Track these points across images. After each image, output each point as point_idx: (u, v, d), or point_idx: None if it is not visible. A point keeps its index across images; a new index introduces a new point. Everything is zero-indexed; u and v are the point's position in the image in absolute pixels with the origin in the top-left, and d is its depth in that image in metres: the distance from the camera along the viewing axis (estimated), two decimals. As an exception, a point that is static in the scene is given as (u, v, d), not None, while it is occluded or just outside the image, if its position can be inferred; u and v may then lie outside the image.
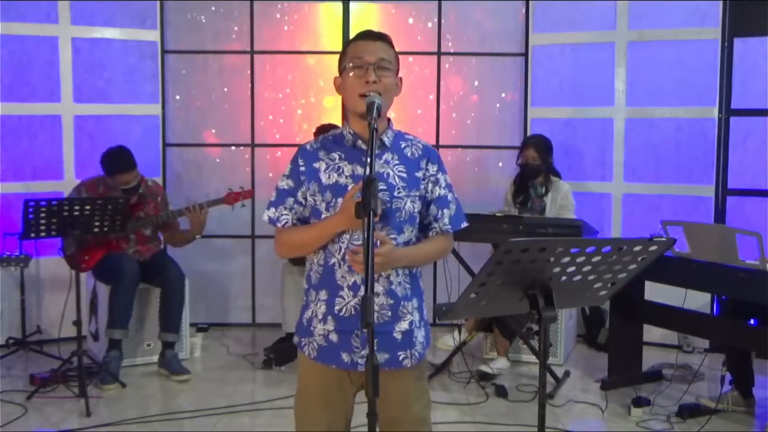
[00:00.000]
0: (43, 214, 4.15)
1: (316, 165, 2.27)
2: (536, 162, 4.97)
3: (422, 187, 2.30)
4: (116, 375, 4.48)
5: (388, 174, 2.25)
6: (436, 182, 2.33)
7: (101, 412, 4.11)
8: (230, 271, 5.85)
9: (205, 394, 4.42)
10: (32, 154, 5.32)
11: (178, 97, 5.72)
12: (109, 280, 4.65)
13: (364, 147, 2.25)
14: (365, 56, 2.22)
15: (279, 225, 2.31)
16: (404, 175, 2.27)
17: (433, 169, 2.32)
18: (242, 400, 4.31)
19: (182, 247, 5.07)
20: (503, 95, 5.83)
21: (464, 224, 2.39)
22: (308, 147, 2.32)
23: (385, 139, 2.28)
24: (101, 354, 4.64)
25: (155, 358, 4.80)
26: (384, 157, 2.27)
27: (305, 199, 2.28)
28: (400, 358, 2.29)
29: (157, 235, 4.95)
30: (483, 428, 3.98)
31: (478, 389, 4.48)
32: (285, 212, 2.30)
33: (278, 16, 5.76)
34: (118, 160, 4.66)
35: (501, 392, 4.39)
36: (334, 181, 2.24)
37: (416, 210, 2.28)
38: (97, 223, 4.30)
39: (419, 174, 2.29)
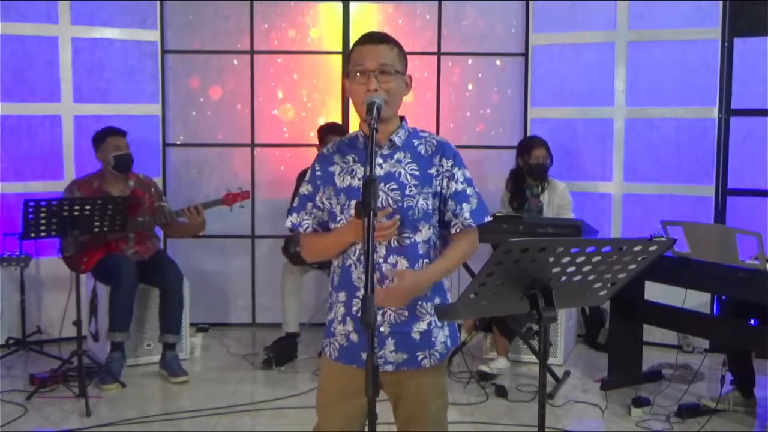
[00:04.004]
0: (43, 214, 4.15)
1: (332, 169, 2.30)
2: (547, 161, 4.98)
3: (435, 183, 2.28)
4: (117, 375, 4.48)
5: (399, 173, 2.25)
6: (452, 177, 2.31)
7: (101, 412, 4.11)
8: (230, 271, 5.85)
9: (205, 394, 4.41)
10: (32, 154, 5.31)
11: (177, 94, 5.72)
12: (108, 282, 4.65)
13: (375, 148, 2.25)
14: (366, 63, 2.22)
15: (301, 230, 2.35)
16: (416, 172, 2.26)
17: (447, 164, 2.30)
18: (242, 400, 4.31)
19: (183, 246, 5.06)
20: (503, 96, 5.83)
21: (488, 218, 2.37)
22: (325, 151, 2.36)
23: (396, 139, 2.28)
24: (101, 354, 4.64)
25: (156, 358, 4.80)
26: (396, 156, 2.27)
27: (323, 203, 2.32)
28: (419, 358, 2.29)
29: (156, 233, 4.94)
30: (483, 428, 3.98)
31: (478, 389, 4.48)
32: (306, 217, 2.34)
33: (278, 16, 5.76)
34: (108, 127, 4.82)
35: (501, 392, 4.39)
36: (347, 184, 2.27)
37: (431, 207, 2.27)
38: (97, 223, 4.30)
39: (432, 170, 2.28)
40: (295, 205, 2.37)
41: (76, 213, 4.21)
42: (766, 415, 4.09)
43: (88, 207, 4.24)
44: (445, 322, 2.35)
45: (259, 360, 4.91)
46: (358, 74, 2.23)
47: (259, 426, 4.00)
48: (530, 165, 5.00)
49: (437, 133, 5.79)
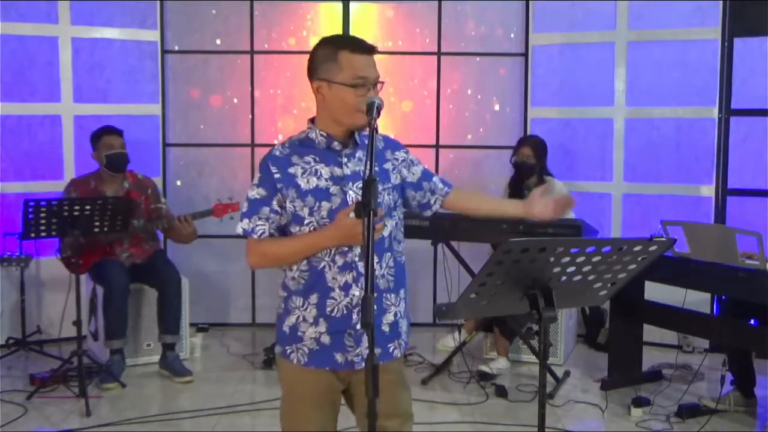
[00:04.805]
0: (43, 214, 4.14)
1: (292, 170, 2.24)
2: (531, 160, 4.96)
3: (393, 177, 2.34)
4: (118, 377, 4.49)
5: (363, 171, 2.25)
6: (411, 163, 2.41)
7: (101, 412, 4.11)
8: (230, 271, 5.84)
9: (205, 394, 4.42)
10: (32, 154, 5.32)
11: (177, 94, 5.72)
12: (102, 287, 4.65)
13: (338, 148, 2.27)
14: (368, 74, 2.21)
15: (255, 236, 2.25)
16: (376, 168, 2.26)
17: (401, 155, 2.39)
18: (242, 400, 4.31)
19: (183, 246, 5.05)
20: (503, 96, 5.83)
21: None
22: (277, 153, 2.28)
23: (357, 138, 2.30)
24: (101, 353, 4.65)
25: (155, 358, 4.80)
26: (357, 155, 2.29)
27: (282, 207, 2.24)
28: (391, 349, 2.33)
29: (155, 234, 4.94)
30: (483, 428, 3.98)
31: (478, 389, 4.48)
32: (260, 222, 2.24)
33: (278, 16, 5.76)
34: (105, 126, 4.82)
35: (501, 392, 4.39)
36: (314, 185, 2.23)
37: (393, 201, 2.31)
38: (97, 223, 4.29)
39: (387, 165, 2.34)
40: (245, 210, 2.26)
41: (76, 213, 4.20)
42: (766, 415, 4.10)
43: (88, 207, 4.23)
44: (405, 313, 2.38)
45: (259, 360, 4.91)
46: (356, 86, 2.19)
47: (259, 426, 4.00)
48: (515, 163, 5.01)
49: (437, 133, 5.80)
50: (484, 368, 4.64)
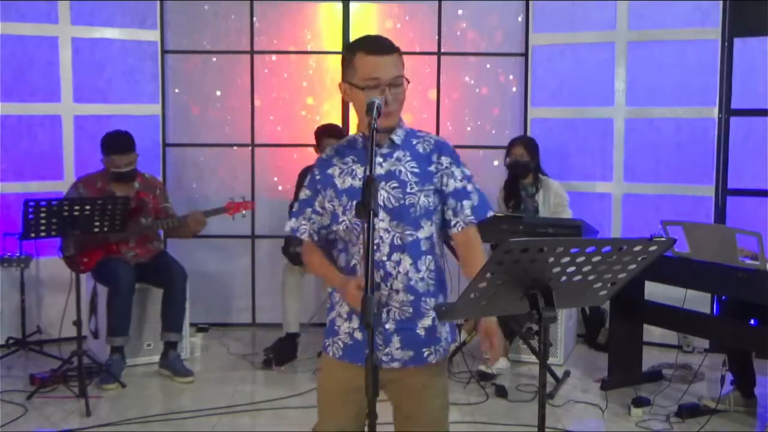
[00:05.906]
0: (43, 214, 4.15)
1: (330, 171, 2.31)
2: (525, 158, 4.95)
3: (436, 180, 2.29)
4: (117, 377, 4.49)
5: (399, 171, 2.26)
6: (451, 175, 2.31)
7: (101, 412, 4.11)
8: (230, 271, 5.85)
9: (205, 394, 4.42)
10: (32, 154, 5.32)
11: (177, 94, 5.72)
12: (106, 286, 4.65)
13: (375, 148, 2.25)
14: (381, 77, 2.21)
15: (299, 235, 2.37)
16: (416, 170, 2.27)
17: (446, 161, 2.31)
18: (242, 400, 4.31)
19: (183, 246, 5.07)
20: (503, 96, 5.83)
21: (490, 213, 2.37)
22: (324, 156, 2.38)
23: (395, 138, 2.29)
24: (101, 352, 4.65)
25: (156, 357, 4.80)
26: (395, 155, 2.28)
27: (323, 207, 2.32)
28: (425, 354, 2.30)
29: (158, 234, 4.95)
30: (483, 428, 3.98)
31: (478, 389, 4.48)
32: (304, 222, 2.36)
33: (278, 15, 5.76)
34: (114, 142, 4.71)
35: (501, 392, 4.39)
36: (348, 185, 2.28)
37: (432, 204, 2.28)
38: (97, 223, 4.30)
39: (432, 168, 2.30)
40: (294, 209, 2.39)
41: (76, 213, 4.21)
42: (766, 415, 4.10)
43: (88, 207, 4.24)
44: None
45: (259, 360, 4.91)
46: (369, 88, 2.20)
47: (259, 426, 4.00)
48: (509, 164, 5.00)
49: (437, 132, 5.79)
50: (484, 368, 4.64)
